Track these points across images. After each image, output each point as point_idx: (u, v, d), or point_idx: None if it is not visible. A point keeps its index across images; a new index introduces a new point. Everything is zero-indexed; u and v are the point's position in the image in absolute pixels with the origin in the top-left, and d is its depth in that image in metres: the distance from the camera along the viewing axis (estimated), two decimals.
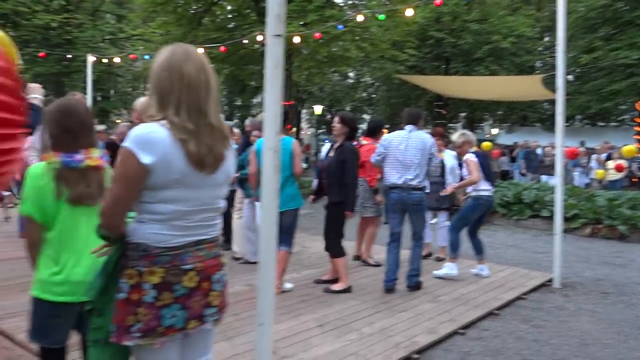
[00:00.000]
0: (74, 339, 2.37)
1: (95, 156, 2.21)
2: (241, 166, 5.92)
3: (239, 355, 3.47)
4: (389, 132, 6.02)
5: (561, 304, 5.21)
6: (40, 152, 3.67)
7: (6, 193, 7.75)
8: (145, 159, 1.68)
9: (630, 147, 13.48)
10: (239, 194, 6.33)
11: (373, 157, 5.35)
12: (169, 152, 1.71)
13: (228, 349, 3.58)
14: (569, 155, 14.09)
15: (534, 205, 10.54)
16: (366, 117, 33.80)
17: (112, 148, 5.86)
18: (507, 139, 24.58)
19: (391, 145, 5.17)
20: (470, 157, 5.75)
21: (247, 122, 7.61)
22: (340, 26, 9.33)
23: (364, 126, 9.18)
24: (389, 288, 5.14)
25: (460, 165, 6.22)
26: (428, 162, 5.17)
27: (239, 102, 35.17)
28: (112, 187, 1.78)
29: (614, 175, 13.21)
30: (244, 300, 4.60)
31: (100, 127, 9.23)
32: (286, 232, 4.80)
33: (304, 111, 35.93)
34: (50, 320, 2.19)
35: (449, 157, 6.79)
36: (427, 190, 5.60)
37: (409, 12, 9.00)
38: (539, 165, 15.42)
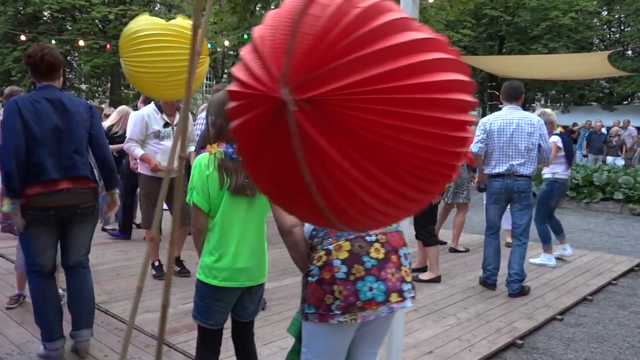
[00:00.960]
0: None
1: None
2: None
3: None
4: None
5: None
6: (200, 142, 3.86)
7: None
8: None
9: None
10: None
11: (474, 146, 4.67)
12: None
13: None
14: None
15: (605, 187, 10.17)
16: None
17: None
18: (563, 119, 23.73)
19: (493, 129, 4.57)
20: (554, 140, 5.54)
21: None
22: None
23: None
24: (492, 283, 4.76)
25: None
26: (538, 146, 4.54)
27: None
28: None
29: None
30: None
31: None
32: None
33: None
34: (213, 302, 2.30)
35: None
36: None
37: None
38: (605, 145, 14.83)
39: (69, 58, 25.55)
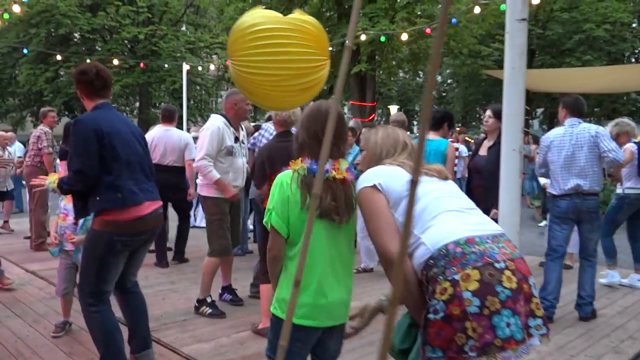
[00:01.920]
0: None
1: (343, 168, 2.04)
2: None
3: None
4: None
5: None
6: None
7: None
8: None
9: None
10: None
11: (537, 168, 4.56)
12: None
13: None
14: None
15: None
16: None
17: None
18: None
19: (553, 146, 4.33)
20: (629, 147, 5.15)
21: (352, 123, 7.40)
22: (454, 20, 8.92)
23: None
24: (550, 315, 4.28)
25: None
26: (599, 160, 4.24)
27: None
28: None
29: None
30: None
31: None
32: None
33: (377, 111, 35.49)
34: (290, 342, 2.02)
35: None
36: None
37: None
38: None
39: None
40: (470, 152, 6.50)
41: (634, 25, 24.57)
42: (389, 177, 1.87)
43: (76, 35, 22.96)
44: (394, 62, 16.82)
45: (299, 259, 2.01)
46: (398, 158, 1.97)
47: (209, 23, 23.63)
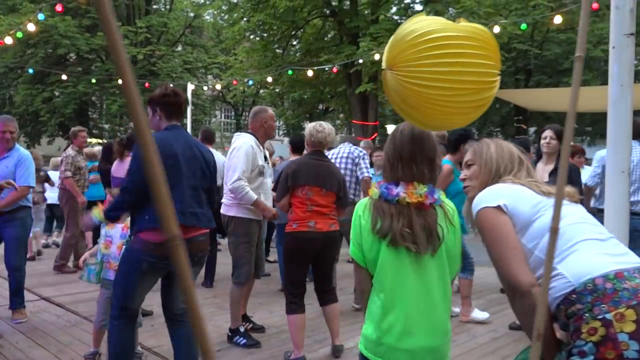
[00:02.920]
0: None
1: (420, 192, 1.86)
2: None
3: None
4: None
5: None
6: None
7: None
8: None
9: None
10: None
11: (590, 179, 4.50)
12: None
13: None
14: None
15: None
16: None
17: None
18: (590, 153, 23.21)
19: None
20: None
21: (363, 143, 7.29)
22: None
23: None
24: None
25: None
26: None
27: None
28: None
29: None
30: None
31: None
32: (465, 257, 4.47)
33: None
34: None
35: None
36: None
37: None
38: None
39: (93, 98, 25.73)
40: None
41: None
42: (514, 197, 1.71)
43: (72, 55, 22.86)
44: None
45: (379, 291, 1.88)
46: (519, 175, 1.82)
47: (207, 43, 23.65)
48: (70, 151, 6.63)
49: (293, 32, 15.97)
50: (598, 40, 19.97)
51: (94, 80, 17.28)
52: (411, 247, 1.80)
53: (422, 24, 1.67)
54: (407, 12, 15.92)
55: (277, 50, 16.23)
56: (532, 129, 28.66)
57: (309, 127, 3.93)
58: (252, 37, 17.81)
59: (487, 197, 1.75)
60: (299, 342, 3.65)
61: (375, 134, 16.51)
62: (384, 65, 1.75)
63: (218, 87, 13.66)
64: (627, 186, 1.92)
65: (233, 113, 33.81)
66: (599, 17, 21.84)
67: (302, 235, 3.65)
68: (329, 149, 6.60)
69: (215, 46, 24.30)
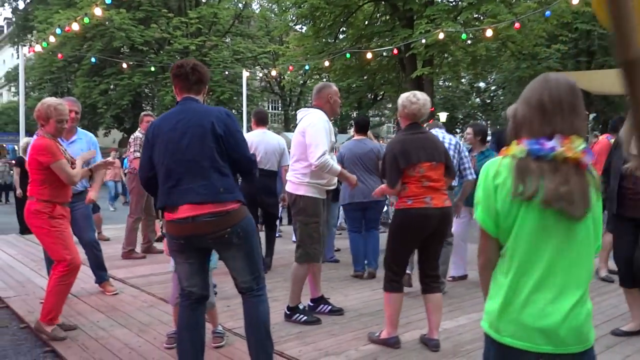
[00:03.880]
0: None
1: (577, 147, 1.62)
2: None
3: None
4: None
5: None
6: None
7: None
8: None
9: None
10: None
11: None
12: None
13: None
14: None
15: None
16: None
17: None
18: None
19: None
20: None
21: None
22: (547, 12, 8.39)
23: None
24: None
25: None
26: None
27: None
28: None
29: None
30: None
31: None
32: None
33: None
34: None
35: None
36: None
37: None
38: None
39: (146, 90, 26.31)
40: None
41: None
42: None
43: (125, 49, 23.39)
44: (457, 62, 16.20)
45: (510, 263, 1.64)
46: None
47: (257, 32, 23.70)
48: (137, 133, 6.66)
49: (344, 18, 15.69)
50: None
51: (152, 69, 17.59)
52: (567, 209, 1.55)
53: None
54: None
55: (329, 37, 16.00)
56: (591, 115, 27.42)
57: (402, 98, 3.62)
58: (302, 24, 17.68)
59: None
60: (394, 322, 3.48)
61: (431, 120, 16.10)
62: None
63: (274, 73, 13.60)
64: None
65: (280, 104, 33.87)
66: None
67: (419, 212, 3.41)
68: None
69: (265, 36, 24.32)
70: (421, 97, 3.59)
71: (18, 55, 13.10)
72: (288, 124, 29.39)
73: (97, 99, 21.60)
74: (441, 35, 9.86)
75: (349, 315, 4.26)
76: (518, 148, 1.64)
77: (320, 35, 15.95)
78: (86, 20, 9.17)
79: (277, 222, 7.00)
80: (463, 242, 5.49)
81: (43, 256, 4.92)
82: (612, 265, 4.85)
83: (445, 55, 15.46)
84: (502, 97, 30.23)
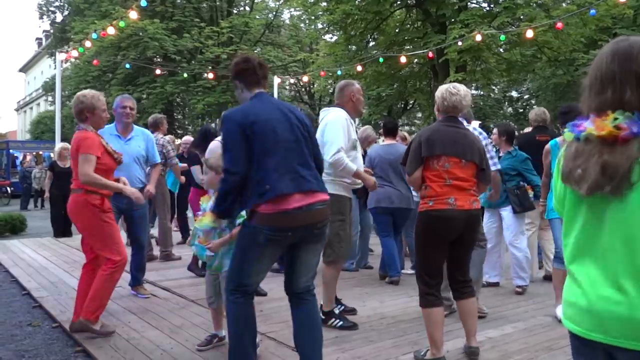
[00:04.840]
0: None
1: (612, 123, 1.40)
2: None
3: None
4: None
5: None
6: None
7: None
8: None
9: None
10: None
11: None
12: None
13: None
14: None
15: None
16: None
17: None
18: None
19: None
20: None
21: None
22: (592, 11, 8.07)
23: None
24: None
25: None
26: None
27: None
28: None
29: None
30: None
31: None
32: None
33: None
34: (575, 355, 1.49)
35: None
36: None
37: None
38: None
39: (178, 99, 26.65)
40: None
41: None
42: None
43: (158, 58, 23.77)
44: (490, 69, 15.83)
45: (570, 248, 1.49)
46: None
47: (287, 41, 23.80)
48: (165, 137, 6.66)
49: (376, 25, 15.55)
50: None
51: (185, 75, 17.78)
52: (574, 187, 1.43)
53: None
54: None
55: (360, 44, 15.89)
56: None
57: (441, 89, 3.39)
58: (333, 32, 17.63)
59: None
60: (437, 340, 3.13)
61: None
62: None
63: (305, 79, 13.53)
64: None
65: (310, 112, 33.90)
66: None
67: (440, 214, 3.11)
68: (370, 143, 6.11)
69: (295, 44, 24.39)
70: (462, 88, 3.36)
71: (55, 65, 13.40)
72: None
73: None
74: (478, 37, 9.60)
75: (386, 322, 4.08)
76: (568, 132, 1.50)
77: (352, 43, 15.86)
78: (122, 23, 9.29)
79: None
80: (491, 247, 5.20)
81: (75, 258, 4.88)
82: None
83: (479, 62, 15.15)
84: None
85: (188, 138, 8.65)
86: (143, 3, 8.69)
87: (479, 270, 4.31)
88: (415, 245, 3.32)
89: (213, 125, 22.07)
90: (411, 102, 25.64)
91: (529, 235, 5.41)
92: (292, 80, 15.28)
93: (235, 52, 21.82)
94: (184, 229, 7.85)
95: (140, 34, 20.88)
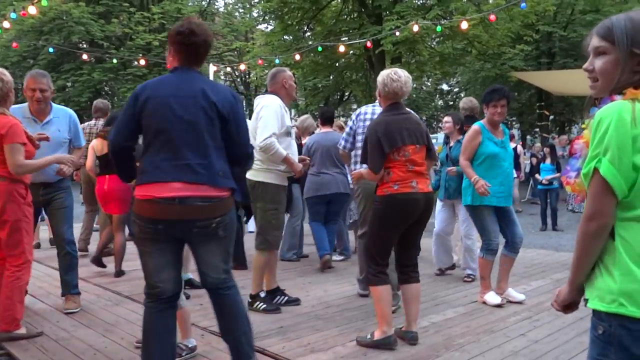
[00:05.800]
0: None
1: None
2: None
3: None
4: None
5: None
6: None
7: None
8: None
9: None
10: None
11: None
12: None
13: None
14: None
15: None
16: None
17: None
18: None
19: None
20: None
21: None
22: (523, 4, 8.34)
23: None
24: None
25: None
26: None
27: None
28: None
29: None
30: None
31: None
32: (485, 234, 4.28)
33: None
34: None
35: None
36: None
37: None
38: None
39: (106, 88, 25.44)
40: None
41: None
42: None
43: (84, 44, 22.53)
44: (424, 62, 16.15)
45: None
46: None
47: (223, 29, 23.19)
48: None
49: (313, 15, 15.47)
50: None
51: (115, 61, 16.93)
52: None
53: None
54: None
55: (297, 33, 15.77)
56: (550, 117, 28.09)
57: (382, 74, 3.37)
58: (269, 22, 17.40)
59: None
60: (387, 316, 3.19)
61: None
62: None
63: (242, 67, 13.24)
64: None
65: (245, 104, 33.38)
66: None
67: (407, 197, 3.16)
68: (310, 133, 6.24)
69: (231, 33, 23.83)
70: (402, 74, 3.35)
71: None
72: None
73: (55, 96, 20.72)
74: (415, 28, 9.76)
75: (331, 310, 4.04)
76: None
77: (288, 32, 15.71)
78: (44, 2, 8.62)
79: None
80: (446, 236, 5.33)
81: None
82: None
83: (413, 54, 15.44)
84: (461, 102, 30.61)
85: None
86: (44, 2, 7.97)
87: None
88: (371, 227, 3.36)
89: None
90: (347, 93, 25.87)
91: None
92: (228, 69, 14.91)
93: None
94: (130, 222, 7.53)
95: (65, 17, 19.68)
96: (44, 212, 4.24)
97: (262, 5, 15.03)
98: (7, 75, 3.35)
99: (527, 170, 13.46)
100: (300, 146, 5.69)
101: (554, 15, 20.40)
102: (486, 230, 4.16)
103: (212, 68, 11.71)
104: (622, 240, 1.34)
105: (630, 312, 1.29)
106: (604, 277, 1.35)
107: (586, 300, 1.41)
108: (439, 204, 5.32)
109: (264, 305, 3.96)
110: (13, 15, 9.39)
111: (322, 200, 5.54)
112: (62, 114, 4.01)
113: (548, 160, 9.59)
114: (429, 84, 32.19)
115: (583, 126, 1.44)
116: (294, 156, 3.99)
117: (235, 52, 23.97)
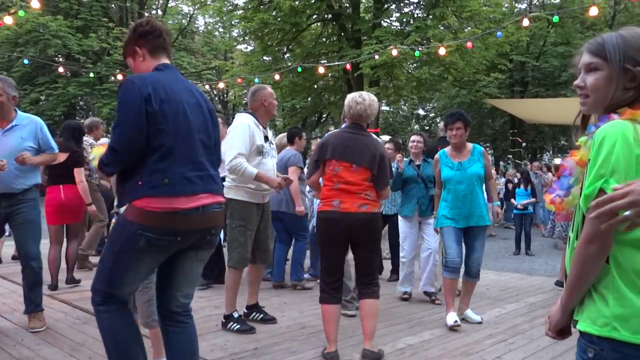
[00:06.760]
0: None
1: None
2: None
3: None
4: None
5: None
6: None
7: None
8: None
9: None
10: None
11: None
12: None
13: None
14: None
15: None
16: None
17: None
18: None
19: None
20: None
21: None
22: (499, 33, 8.58)
23: None
24: None
25: None
26: None
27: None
28: None
29: None
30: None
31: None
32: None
33: None
34: None
35: None
36: None
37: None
38: None
39: (82, 102, 25.09)
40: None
41: None
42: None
43: (61, 57, 22.25)
44: (401, 86, 16.40)
45: None
46: None
47: (202, 48, 23.22)
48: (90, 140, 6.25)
49: (293, 36, 15.62)
50: None
51: (92, 75, 16.70)
52: None
53: None
54: (409, 19, 15.73)
55: (277, 54, 15.87)
56: (522, 144, 28.73)
57: (348, 97, 3.51)
58: (249, 42, 17.49)
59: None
60: (330, 336, 3.27)
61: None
62: None
63: (221, 85, 13.21)
64: None
65: (222, 122, 33.31)
66: (595, 32, 22.00)
67: (325, 215, 3.32)
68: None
69: (210, 52, 23.85)
70: (367, 97, 3.47)
71: None
72: None
73: (28, 108, 20.27)
74: (394, 52, 9.92)
75: (306, 331, 3.97)
76: None
77: (268, 53, 15.79)
78: (21, 13, 8.48)
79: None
80: (411, 258, 5.28)
81: None
82: None
83: (391, 77, 15.68)
84: (440, 124, 31.13)
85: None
86: (21, 14, 7.81)
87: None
88: (317, 244, 3.54)
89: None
90: (325, 115, 26.05)
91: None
92: (207, 87, 14.88)
93: None
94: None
95: (41, 30, 19.44)
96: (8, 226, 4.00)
97: (242, 26, 15.09)
98: None
99: (502, 195, 13.65)
100: None
101: (527, 46, 21.08)
102: (446, 249, 4.32)
103: None
104: (616, 263, 1.30)
105: (623, 336, 1.26)
106: (596, 301, 1.32)
107: (575, 322, 1.39)
108: (406, 224, 5.25)
109: (238, 326, 3.89)
110: None
111: (275, 217, 5.36)
112: (27, 122, 3.82)
113: (522, 186, 9.76)
114: (405, 108, 32.73)
115: (578, 143, 1.42)
116: (269, 173, 3.93)
117: (214, 71, 24.00)
